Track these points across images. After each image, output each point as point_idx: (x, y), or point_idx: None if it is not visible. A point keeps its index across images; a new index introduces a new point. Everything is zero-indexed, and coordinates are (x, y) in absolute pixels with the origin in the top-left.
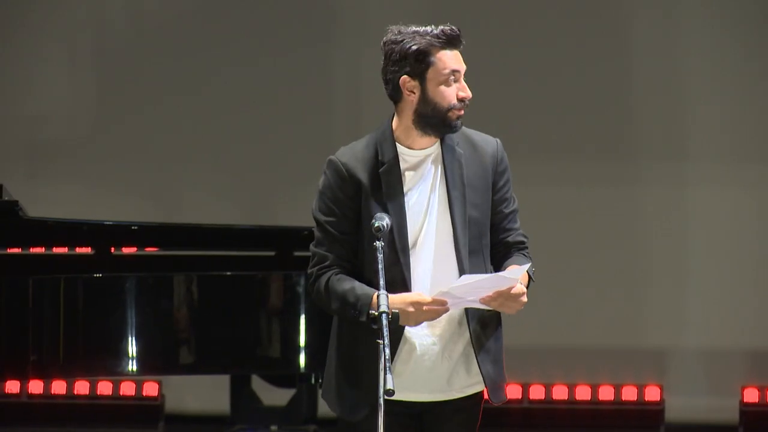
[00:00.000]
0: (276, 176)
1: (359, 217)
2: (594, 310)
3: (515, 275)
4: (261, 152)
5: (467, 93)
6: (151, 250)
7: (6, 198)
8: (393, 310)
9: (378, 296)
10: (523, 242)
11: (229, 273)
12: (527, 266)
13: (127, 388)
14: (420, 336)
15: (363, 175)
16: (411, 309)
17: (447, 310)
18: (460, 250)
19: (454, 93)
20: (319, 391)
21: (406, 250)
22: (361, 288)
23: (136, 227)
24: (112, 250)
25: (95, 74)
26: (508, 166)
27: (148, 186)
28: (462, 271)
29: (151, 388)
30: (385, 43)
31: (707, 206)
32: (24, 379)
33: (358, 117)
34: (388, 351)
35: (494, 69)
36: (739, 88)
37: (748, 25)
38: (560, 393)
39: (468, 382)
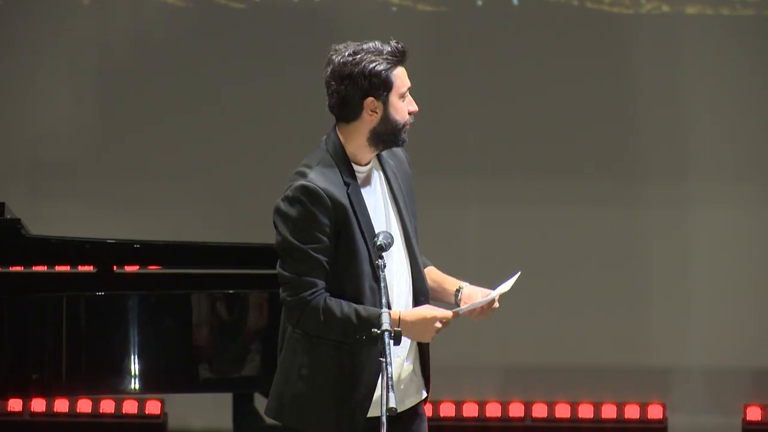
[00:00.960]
0: (278, 194)
1: (337, 240)
2: (597, 328)
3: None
4: (264, 170)
5: (415, 107)
6: (153, 268)
7: (8, 216)
8: (395, 329)
9: (381, 315)
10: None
11: (232, 291)
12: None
13: (130, 407)
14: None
15: (341, 199)
16: (438, 325)
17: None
18: (416, 260)
19: (406, 108)
20: None
21: (383, 266)
22: (365, 310)
23: (138, 245)
24: (115, 268)
25: (97, 93)
26: None
27: (150, 204)
28: (418, 281)
29: (153, 407)
30: (339, 63)
31: (709, 225)
32: (26, 397)
33: None
34: (391, 369)
35: (493, 88)
36: (740, 107)
37: (750, 44)
38: (563, 411)
39: (416, 389)
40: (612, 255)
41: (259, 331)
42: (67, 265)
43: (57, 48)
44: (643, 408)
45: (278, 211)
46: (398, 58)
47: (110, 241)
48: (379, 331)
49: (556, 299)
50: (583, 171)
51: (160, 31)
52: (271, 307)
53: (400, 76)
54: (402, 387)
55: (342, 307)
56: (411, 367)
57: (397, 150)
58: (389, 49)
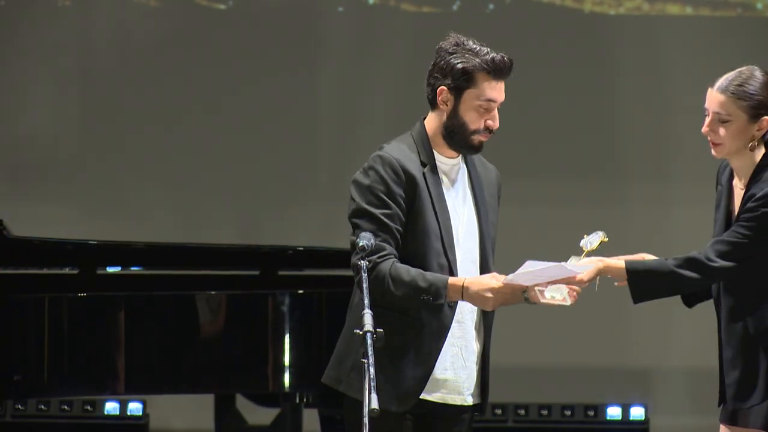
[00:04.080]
0: (262, 197)
1: (407, 211)
2: (579, 329)
3: (577, 268)
4: (247, 173)
5: (495, 123)
6: (135, 269)
7: None
8: (378, 329)
9: (363, 315)
10: None
11: (214, 292)
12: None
13: (112, 408)
14: (466, 337)
15: (415, 172)
16: (489, 295)
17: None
18: (487, 263)
19: (482, 119)
20: (305, 411)
21: (452, 246)
22: (432, 275)
23: (120, 247)
24: (97, 269)
25: (80, 95)
26: None
27: (132, 205)
28: None
29: (135, 408)
30: (439, 49)
31: (691, 226)
32: (8, 398)
33: (343, 140)
34: (372, 370)
35: None
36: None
37: (731, 45)
38: (544, 412)
39: (475, 392)
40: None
41: (242, 332)
42: (49, 266)
43: (39, 50)
44: (625, 409)
45: (354, 181)
46: (491, 67)
47: (92, 242)
48: (360, 332)
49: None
50: (565, 172)
51: (141, 33)
52: (253, 308)
53: (483, 85)
54: (465, 379)
55: (409, 271)
56: (471, 365)
57: (492, 170)
58: (490, 56)
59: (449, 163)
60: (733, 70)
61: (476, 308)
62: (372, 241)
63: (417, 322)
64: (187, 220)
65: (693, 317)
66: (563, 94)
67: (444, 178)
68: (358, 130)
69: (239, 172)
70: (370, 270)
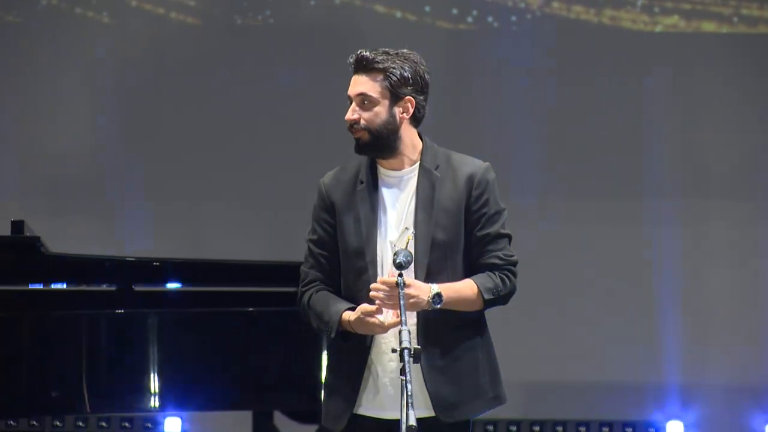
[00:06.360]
0: (297, 212)
1: (334, 234)
2: (612, 346)
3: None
4: (281, 188)
5: (347, 116)
6: (173, 286)
7: (28, 234)
8: (415, 347)
9: (400, 332)
10: (496, 264)
11: (251, 309)
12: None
13: (149, 424)
14: (383, 354)
15: (338, 196)
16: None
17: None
18: (416, 271)
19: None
20: None
21: (374, 262)
22: (335, 307)
23: (158, 263)
24: (135, 286)
25: (117, 111)
26: (489, 190)
27: (170, 222)
28: None
29: (172, 424)
30: None
31: (721, 242)
32: (46, 414)
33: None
34: (410, 387)
35: (506, 106)
36: (739, 130)
37: (751, 69)
38: (577, 430)
39: (424, 405)
40: (623, 273)
41: (279, 349)
42: (86, 283)
43: (76, 66)
44: (662, 427)
45: None
46: (351, 66)
47: (130, 259)
48: (397, 349)
49: (568, 317)
50: (584, 191)
51: (178, 49)
52: (290, 325)
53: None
54: (389, 393)
55: (320, 304)
56: (418, 381)
57: (466, 167)
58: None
59: (396, 175)
60: (752, 92)
61: (413, 324)
62: (409, 258)
63: (344, 344)
64: (223, 236)
65: (729, 334)
66: (598, 111)
67: (386, 192)
68: None
69: (277, 187)
70: (298, 300)
